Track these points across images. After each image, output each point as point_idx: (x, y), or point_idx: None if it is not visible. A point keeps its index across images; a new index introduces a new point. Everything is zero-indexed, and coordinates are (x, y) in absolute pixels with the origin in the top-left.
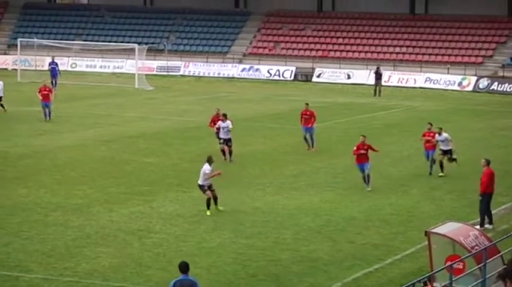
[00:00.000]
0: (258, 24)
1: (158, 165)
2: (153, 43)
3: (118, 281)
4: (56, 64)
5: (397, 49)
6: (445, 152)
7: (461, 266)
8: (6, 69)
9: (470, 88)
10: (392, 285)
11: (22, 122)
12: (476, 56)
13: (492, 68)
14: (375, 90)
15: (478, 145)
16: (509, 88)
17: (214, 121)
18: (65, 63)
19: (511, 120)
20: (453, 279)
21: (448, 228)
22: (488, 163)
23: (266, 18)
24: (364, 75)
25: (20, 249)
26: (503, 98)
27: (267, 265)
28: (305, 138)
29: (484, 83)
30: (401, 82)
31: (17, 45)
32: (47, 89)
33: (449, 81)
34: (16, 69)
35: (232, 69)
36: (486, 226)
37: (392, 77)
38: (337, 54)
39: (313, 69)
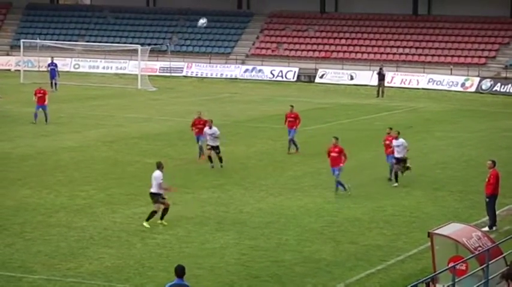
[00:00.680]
0: (261, 25)
1: None
2: (156, 44)
3: (121, 282)
4: (55, 65)
5: (400, 50)
6: (398, 161)
7: (464, 267)
8: (9, 70)
9: (473, 89)
10: (395, 286)
11: (25, 123)
12: (479, 57)
13: (495, 69)
14: (378, 91)
15: (481, 146)
16: None
17: (194, 124)
18: (67, 64)
19: None
20: (456, 280)
21: (451, 229)
22: (494, 164)
23: (269, 19)
24: (367, 76)
25: (23, 250)
26: (506, 99)
27: (270, 266)
28: (291, 141)
29: (487, 84)
30: (404, 83)
31: (19, 46)
32: (42, 92)
33: (452, 82)
34: (19, 70)
35: (235, 70)
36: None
37: (395, 78)
38: (340, 55)
39: (316, 70)
